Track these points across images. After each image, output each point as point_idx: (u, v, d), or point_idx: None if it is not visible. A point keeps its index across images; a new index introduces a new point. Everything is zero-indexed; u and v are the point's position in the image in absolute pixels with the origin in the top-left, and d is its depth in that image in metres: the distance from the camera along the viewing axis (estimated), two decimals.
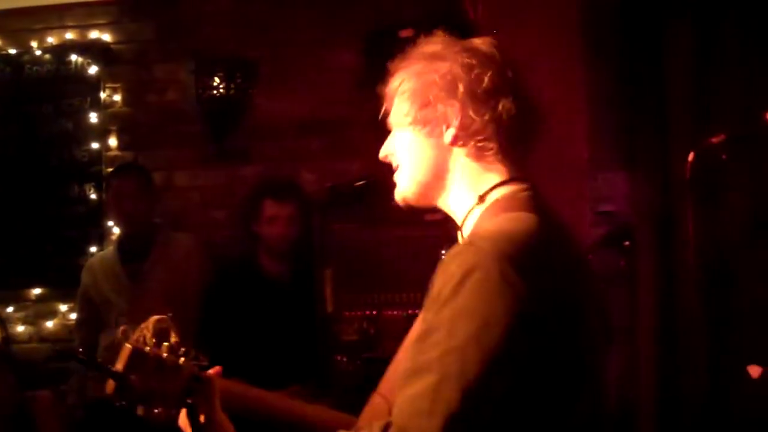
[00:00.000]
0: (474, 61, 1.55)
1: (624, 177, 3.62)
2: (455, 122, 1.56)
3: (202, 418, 1.63)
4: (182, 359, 1.64)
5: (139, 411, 1.58)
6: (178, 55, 4.71)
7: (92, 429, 3.86)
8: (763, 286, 3.44)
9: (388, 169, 1.73)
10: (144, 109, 4.77)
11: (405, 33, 3.89)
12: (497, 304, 1.34)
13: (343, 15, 4.50)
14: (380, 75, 1.74)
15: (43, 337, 4.74)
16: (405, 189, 1.65)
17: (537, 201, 1.54)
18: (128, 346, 1.58)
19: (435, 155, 1.60)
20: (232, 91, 4.55)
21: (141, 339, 1.62)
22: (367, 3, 4.46)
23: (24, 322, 4.75)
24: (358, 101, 4.34)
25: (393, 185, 1.70)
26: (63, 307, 4.70)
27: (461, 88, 1.54)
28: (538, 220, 1.47)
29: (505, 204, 1.54)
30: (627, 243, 3.19)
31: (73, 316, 4.45)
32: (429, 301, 1.39)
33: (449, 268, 1.38)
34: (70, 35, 4.82)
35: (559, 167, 3.41)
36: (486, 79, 1.54)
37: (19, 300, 4.77)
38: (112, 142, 4.76)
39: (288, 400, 1.84)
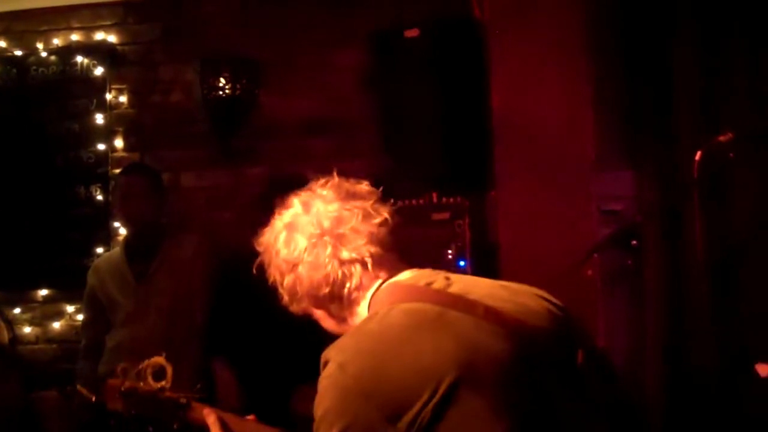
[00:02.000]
0: (294, 246, 1.73)
1: (631, 176, 3.61)
2: (301, 298, 1.76)
3: None
4: (168, 393, 1.96)
5: None
6: (184, 56, 4.71)
7: (98, 430, 3.85)
8: None
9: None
10: (150, 110, 4.77)
11: (410, 33, 3.89)
12: (352, 415, 1.47)
13: (348, 15, 4.50)
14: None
15: (50, 338, 4.75)
16: None
17: (396, 289, 1.68)
18: (112, 383, 2.01)
19: (328, 320, 1.79)
20: (237, 92, 4.54)
21: (140, 374, 1.97)
22: (373, 3, 4.46)
23: (31, 323, 4.76)
24: (364, 101, 4.35)
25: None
26: (69, 308, 4.71)
27: (286, 274, 1.75)
28: (393, 310, 1.57)
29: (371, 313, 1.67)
30: (634, 242, 3.18)
31: (80, 317, 4.45)
32: None
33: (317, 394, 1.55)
34: (75, 37, 4.83)
35: (566, 167, 3.42)
36: (290, 260, 1.73)
37: (26, 301, 4.78)
38: (118, 143, 4.77)
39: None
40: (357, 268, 1.69)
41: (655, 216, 3.49)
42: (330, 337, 1.65)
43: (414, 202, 3.63)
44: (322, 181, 1.80)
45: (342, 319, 1.75)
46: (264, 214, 3.84)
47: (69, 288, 4.62)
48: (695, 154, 2.91)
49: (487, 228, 3.74)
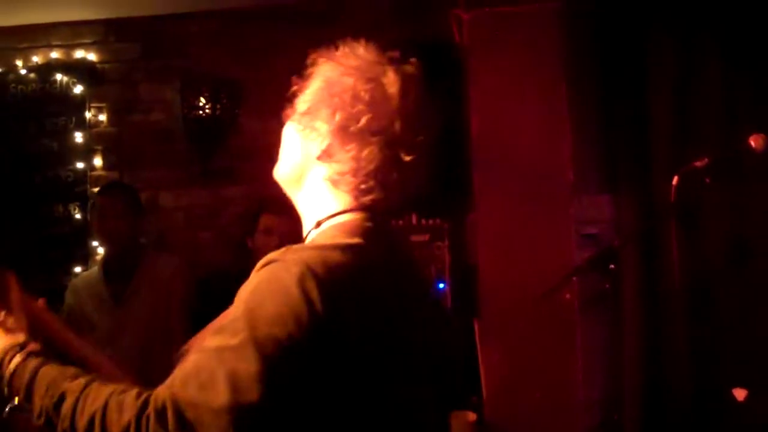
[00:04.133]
0: (367, 95, 1.55)
1: (608, 200, 3.64)
2: (322, 144, 1.59)
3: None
4: None
5: None
6: (164, 75, 4.70)
7: None
8: (745, 307, 3.46)
9: None
10: (129, 128, 4.76)
11: (390, 55, 3.89)
12: (287, 311, 1.35)
13: (327, 36, 4.49)
14: None
15: None
16: (276, 170, 1.75)
17: (372, 231, 1.54)
18: None
19: (301, 158, 1.65)
20: (217, 111, 4.54)
21: None
22: (352, 25, 4.47)
23: None
24: None
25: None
26: None
27: (338, 116, 1.56)
28: (363, 248, 1.48)
29: (337, 231, 1.55)
30: (612, 266, 3.20)
31: None
32: (235, 300, 1.43)
33: (257, 272, 1.44)
34: (55, 54, 4.81)
35: (545, 190, 3.44)
36: (363, 120, 1.54)
37: None
38: (97, 161, 4.75)
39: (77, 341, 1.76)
40: (376, 178, 1.55)
41: (633, 240, 3.52)
42: None
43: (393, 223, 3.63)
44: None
45: (303, 172, 1.64)
46: (243, 235, 3.86)
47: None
48: (672, 179, 2.94)
49: (466, 250, 3.75)
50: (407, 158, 1.55)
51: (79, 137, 4.72)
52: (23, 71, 4.80)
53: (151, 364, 3.85)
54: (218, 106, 4.52)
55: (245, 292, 1.42)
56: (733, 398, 3.00)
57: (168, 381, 1.38)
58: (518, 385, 3.43)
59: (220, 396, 1.32)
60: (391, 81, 1.58)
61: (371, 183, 1.56)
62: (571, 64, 3.54)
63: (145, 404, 1.36)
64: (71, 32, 4.82)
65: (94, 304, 3.92)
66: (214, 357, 1.36)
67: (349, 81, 1.57)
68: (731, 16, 3.55)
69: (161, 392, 1.37)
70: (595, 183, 3.65)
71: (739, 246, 3.46)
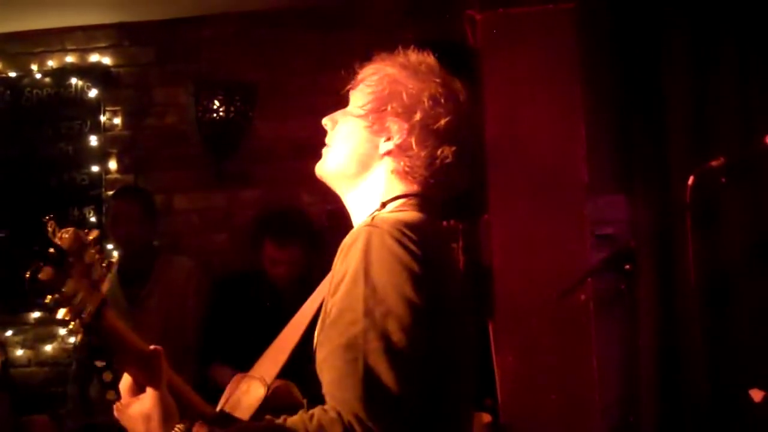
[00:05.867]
0: (442, 99, 1.64)
1: (624, 200, 3.62)
2: (396, 140, 1.66)
3: (155, 393, 1.51)
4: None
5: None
6: (178, 79, 4.72)
7: None
8: (762, 308, 3.44)
9: None
10: (144, 132, 4.78)
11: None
12: (399, 271, 1.45)
13: (341, 38, 4.52)
14: None
15: (42, 361, 4.72)
16: (325, 166, 1.76)
17: (426, 208, 1.65)
18: (73, 229, 1.40)
19: (366, 154, 1.70)
20: (231, 114, 4.55)
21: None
22: (366, 27, 4.48)
23: (23, 345, 4.73)
24: None
25: None
26: (62, 331, 4.69)
27: (417, 116, 1.64)
28: (424, 217, 1.61)
29: (399, 208, 1.64)
30: (628, 266, 3.19)
31: (72, 339, 4.44)
32: (335, 284, 1.49)
33: (351, 250, 1.49)
34: (70, 58, 4.84)
35: (559, 190, 3.42)
36: (442, 121, 1.63)
37: (18, 324, 4.75)
38: (112, 165, 4.77)
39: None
40: (445, 174, 1.66)
41: (649, 240, 3.50)
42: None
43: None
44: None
45: (366, 166, 1.69)
46: (257, 237, 3.85)
47: None
48: (688, 179, 2.92)
49: (481, 251, 3.74)
50: (471, 159, 1.68)
51: (93, 141, 4.75)
52: (38, 75, 4.83)
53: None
54: (232, 109, 4.53)
55: (353, 270, 1.46)
56: (750, 399, 2.99)
57: (328, 391, 1.42)
58: (533, 387, 3.41)
59: (391, 377, 1.38)
60: (461, 89, 1.69)
61: (440, 177, 1.65)
62: (586, 65, 3.53)
63: (339, 420, 1.38)
64: (86, 36, 4.85)
65: None
66: (361, 345, 1.41)
67: (422, 84, 1.65)
68: (748, 14, 3.53)
69: (334, 406, 1.39)
70: (611, 183, 3.62)
71: (756, 246, 3.44)
